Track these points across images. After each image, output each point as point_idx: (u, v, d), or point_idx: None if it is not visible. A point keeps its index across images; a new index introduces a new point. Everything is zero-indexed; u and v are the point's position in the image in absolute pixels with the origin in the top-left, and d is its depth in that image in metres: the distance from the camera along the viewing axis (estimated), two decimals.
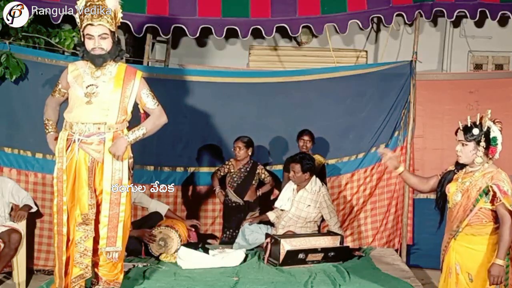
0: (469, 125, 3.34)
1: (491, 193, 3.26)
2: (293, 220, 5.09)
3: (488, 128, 3.30)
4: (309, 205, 5.06)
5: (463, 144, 3.35)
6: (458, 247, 3.38)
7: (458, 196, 3.37)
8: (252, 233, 5.18)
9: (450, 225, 3.43)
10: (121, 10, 3.65)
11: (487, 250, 3.29)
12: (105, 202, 3.55)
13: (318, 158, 5.76)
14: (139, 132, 3.66)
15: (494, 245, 3.29)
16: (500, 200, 3.21)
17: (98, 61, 3.58)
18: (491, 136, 3.30)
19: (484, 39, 7.21)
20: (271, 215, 5.30)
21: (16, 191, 5.19)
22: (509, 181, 3.27)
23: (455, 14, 5.87)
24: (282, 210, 5.20)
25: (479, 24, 7.05)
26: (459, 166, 3.45)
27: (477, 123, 3.34)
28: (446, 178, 3.50)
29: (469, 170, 3.39)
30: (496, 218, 3.28)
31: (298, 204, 5.08)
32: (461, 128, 3.36)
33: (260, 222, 5.30)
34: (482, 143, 3.29)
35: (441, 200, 3.51)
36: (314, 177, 5.12)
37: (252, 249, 5.02)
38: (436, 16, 6.30)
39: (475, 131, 3.30)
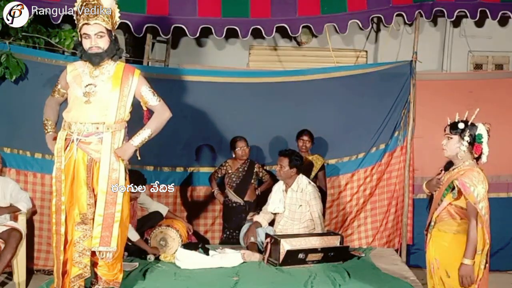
0: (456, 120, 3.41)
1: (456, 189, 3.27)
2: (289, 223, 5.06)
3: (474, 124, 3.34)
4: (301, 205, 5.03)
5: (448, 138, 3.40)
6: (435, 243, 3.42)
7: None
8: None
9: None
10: (118, 10, 3.66)
11: (459, 247, 3.26)
12: (100, 201, 3.55)
13: (318, 158, 5.76)
14: (144, 135, 3.67)
15: (465, 243, 3.27)
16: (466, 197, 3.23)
17: (95, 59, 3.59)
18: (476, 133, 3.33)
19: (484, 39, 7.20)
20: (262, 221, 5.14)
21: (17, 192, 5.18)
22: (483, 181, 3.24)
23: (455, 14, 5.86)
24: (275, 213, 5.16)
25: (479, 24, 7.04)
26: (448, 166, 3.47)
27: (465, 119, 3.39)
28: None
29: (453, 168, 3.42)
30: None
31: (290, 206, 5.06)
32: (448, 124, 3.43)
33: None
34: (466, 138, 3.33)
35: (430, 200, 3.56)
36: (300, 175, 5.11)
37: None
38: (436, 16, 6.29)
39: (460, 125, 3.36)
